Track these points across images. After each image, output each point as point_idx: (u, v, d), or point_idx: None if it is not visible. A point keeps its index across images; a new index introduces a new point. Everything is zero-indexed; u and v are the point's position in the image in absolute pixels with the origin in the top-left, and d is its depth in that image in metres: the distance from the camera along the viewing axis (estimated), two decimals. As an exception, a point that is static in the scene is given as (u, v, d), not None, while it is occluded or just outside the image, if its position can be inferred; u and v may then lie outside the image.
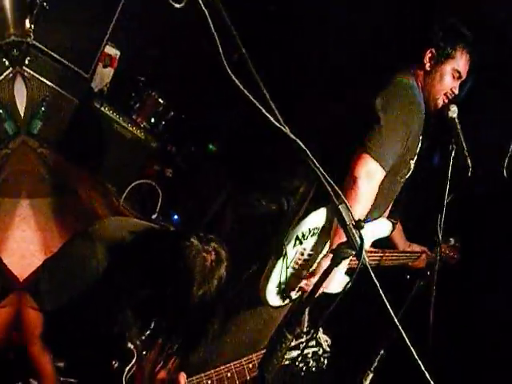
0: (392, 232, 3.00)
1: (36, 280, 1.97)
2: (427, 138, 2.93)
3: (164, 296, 1.96)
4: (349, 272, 2.67)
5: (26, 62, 4.47)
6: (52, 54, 4.72)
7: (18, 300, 1.93)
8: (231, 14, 1.31)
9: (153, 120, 5.34)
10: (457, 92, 2.82)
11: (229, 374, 2.13)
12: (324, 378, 2.75)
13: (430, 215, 2.76)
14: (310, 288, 1.92)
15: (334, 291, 2.54)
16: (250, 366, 2.16)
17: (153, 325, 2.09)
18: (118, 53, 5.16)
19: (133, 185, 5.01)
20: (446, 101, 2.81)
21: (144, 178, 5.14)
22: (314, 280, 2.44)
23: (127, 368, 2.03)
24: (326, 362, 2.26)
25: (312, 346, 2.22)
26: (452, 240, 3.44)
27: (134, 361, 2.04)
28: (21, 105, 4.37)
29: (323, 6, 4.48)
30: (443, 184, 2.69)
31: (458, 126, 2.75)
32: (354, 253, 1.51)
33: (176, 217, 5.13)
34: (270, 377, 1.62)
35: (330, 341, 2.28)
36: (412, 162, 2.82)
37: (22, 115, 4.43)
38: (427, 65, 2.79)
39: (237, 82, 1.32)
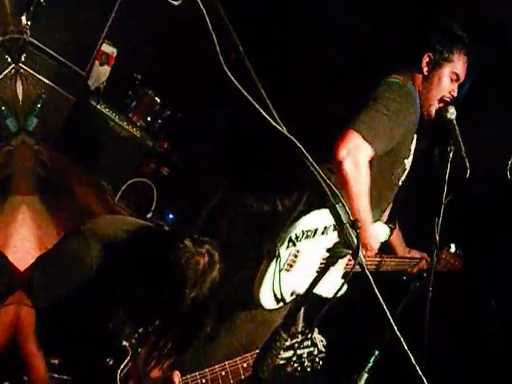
0: (390, 237, 2.99)
1: (29, 277, 1.96)
2: (425, 139, 2.92)
3: (157, 295, 1.95)
4: (345, 275, 2.65)
5: (23, 58, 4.45)
6: (49, 51, 4.71)
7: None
8: (231, 14, 1.30)
9: (149, 118, 5.34)
10: (455, 95, 2.83)
11: (223, 373, 2.13)
12: (319, 378, 2.74)
13: (429, 217, 2.76)
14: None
15: (330, 295, 2.51)
16: (245, 365, 2.16)
17: (147, 323, 2.08)
18: (115, 51, 5.15)
19: (128, 183, 5.00)
20: (443, 104, 2.81)
21: (140, 176, 5.13)
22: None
23: (122, 366, 2.01)
24: (321, 362, 2.25)
25: (307, 346, 2.21)
26: (453, 246, 3.41)
27: (128, 358, 2.02)
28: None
29: (323, 6, 4.48)
30: (441, 185, 2.69)
31: (457, 128, 2.75)
32: (350, 252, 1.50)
33: (171, 216, 5.13)
34: (265, 376, 1.60)
35: (325, 341, 2.27)
36: (406, 162, 2.81)
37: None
38: (425, 69, 2.80)
39: (233, 80, 1.31)
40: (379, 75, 2.70)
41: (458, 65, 2.79)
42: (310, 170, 1.44)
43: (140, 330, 2.07)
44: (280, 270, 2.51)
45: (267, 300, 2.57)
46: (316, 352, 2.24)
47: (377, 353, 2.85)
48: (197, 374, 2.11)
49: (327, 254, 1.58)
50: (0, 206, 3.80)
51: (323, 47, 4.55)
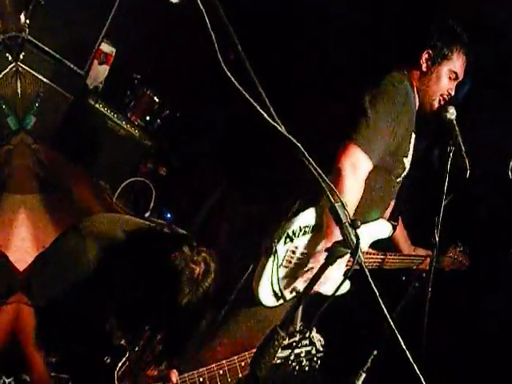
0: (392, 234, 2.98)
1: (27, 275, 1.96)
2: (425, 139, 2.92)
3: (153, 295, 1.95)
4: (345, 273, 2.64)
5: (21, 57, 4.44)
6: (47, 49, 4.71)
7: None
8: (230, 13, 1.30)
9: (148, 118, 5.34)
10: (453, 93, 2.83)
11: (221, 372, 2.12)
12: (317, 377, 2.73)
13: (429, 217, 2.75)
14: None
15: (330, 293, 2.49)
16: (243, 363, 2.15)
17: (143, 322, 2.07)
18: (114, 50, 5.15)
19: (126, 182, 5.00)
20: (442, 102, 2.81)
21: (138, 175, 5.12)
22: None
23: (119, 364, 2.01)
24: (319, 361, 2.24)
25: (305, 346, 2.20)
26: (460, 245, 3.41)
27: (125, 357, 2.02)
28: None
29: (323, 6, 4.48)
30: (441, 185, 2.69)
31: (457, 128, 2.75)
32: (349, 251, 1.49)
33: (169, 215, 5.12)
34: (262, 375, 1.60)
35: (323, 340, 2.26)
36: (406, 161, 2.80)
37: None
38: (423, 66, 2.79)
39: (232, 79, 1.31)
40: (379, 75, 2.70)
41: (456, 64, 2.80)
42: (309, 168, 1.44)
43: (137, 329, 2.07)
44: (278, 267, 2.50)
45: (266, 297, 2.55)
46: (314, 351, 2.23)
47: (375, 352, 2.85)
48: (194, 372, 2.10)
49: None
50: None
51: (323, 47, 4.55)
